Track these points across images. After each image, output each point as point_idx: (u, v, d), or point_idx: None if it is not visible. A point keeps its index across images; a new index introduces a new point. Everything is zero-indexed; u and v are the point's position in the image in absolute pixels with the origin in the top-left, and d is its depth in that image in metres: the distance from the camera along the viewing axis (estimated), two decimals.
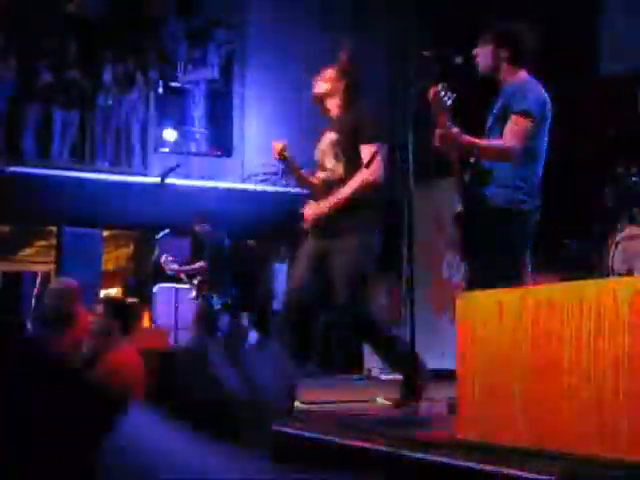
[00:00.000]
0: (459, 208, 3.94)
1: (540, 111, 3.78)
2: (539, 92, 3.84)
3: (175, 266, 7.99)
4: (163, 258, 8.05)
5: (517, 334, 2.69)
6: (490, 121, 3.94)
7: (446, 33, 8.69)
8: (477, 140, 3.78)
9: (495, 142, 3.78)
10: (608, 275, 5.62)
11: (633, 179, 5.91)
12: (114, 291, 11.74)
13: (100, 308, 4.74)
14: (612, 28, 8.57)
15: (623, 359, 2.30)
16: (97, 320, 4.67)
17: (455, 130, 3.64)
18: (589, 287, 2.54)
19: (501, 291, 3.21)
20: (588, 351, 2.41)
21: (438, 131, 3.68)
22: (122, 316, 4.70)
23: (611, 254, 5.78)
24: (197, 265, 7.88)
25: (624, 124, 5.75)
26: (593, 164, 5.64)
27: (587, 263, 6.56)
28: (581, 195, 5.64)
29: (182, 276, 8.06)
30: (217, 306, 7.86)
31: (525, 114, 3.72)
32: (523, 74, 3.93)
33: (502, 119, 3.79)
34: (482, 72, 3.97)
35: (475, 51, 3.97)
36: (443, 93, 3.66)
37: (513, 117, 3.73)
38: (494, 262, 3.73)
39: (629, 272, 5.52)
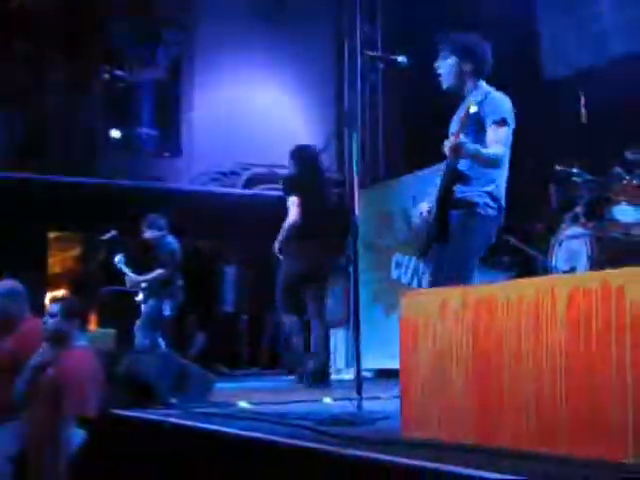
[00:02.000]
0: (427, 206, 4.01)
1: (512, 119, 3.90)
2: (508, 101, 3.95)
3: (133, 276, 7.91)
4: (117, 258, 7.99)
5: (459, 332, 2.72)
6: (455, 126, 3.98)
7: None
8: (479, 149, 3.82)
9: (488, 150, 3.83)
10: (551, 273, 5.70)
11: (576, 179, 6.01)
12: (60, 294, 11.56)
13: (55, 308, 4.62)
14: (552, 30, 8.69)
15: (561, 355, 2.33)
16: (53, 321, 4.53)
17: (461, 139, 3.70)
18: (528, 285, 2.58)
19: (444, 289, 3.25)
20: (527, 348, 2.44)
21: (449, 141, 3.71)
22: (79, 315, 4.63)
23: (554, 253, 5.87)
24: (156, 273, 7.80)
25: (566, 125, 5.86)
26: (537, 164, 5.73)
27: (530, 261, 6.66)
28: (525, 195, 5.73)
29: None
30: (166, 311, 7.79)
31: (504, 122, 3.85)
32: (484, 84, 4.03)
33: (472, 125, 3.82)
34: (447, 88, 4.06)
35: (436, 65, 4.07)
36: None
37: (494, 126, 3.83)
38: (453, 259, 3.81)
39: (572, 271, 5.60)
